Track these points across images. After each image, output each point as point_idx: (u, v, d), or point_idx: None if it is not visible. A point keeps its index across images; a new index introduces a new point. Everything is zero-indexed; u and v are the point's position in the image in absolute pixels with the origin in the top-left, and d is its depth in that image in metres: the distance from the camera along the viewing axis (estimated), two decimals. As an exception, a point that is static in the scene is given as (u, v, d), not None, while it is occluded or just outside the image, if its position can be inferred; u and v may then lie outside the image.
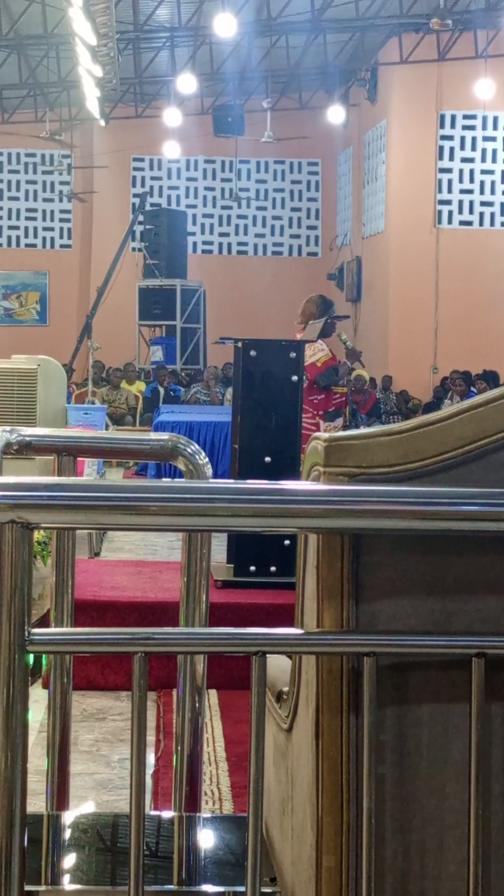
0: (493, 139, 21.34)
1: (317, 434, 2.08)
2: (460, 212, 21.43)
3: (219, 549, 7.52)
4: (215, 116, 23.13)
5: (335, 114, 22.47)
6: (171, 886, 2.38)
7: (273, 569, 6.82)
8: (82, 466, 9.69)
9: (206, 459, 2.91)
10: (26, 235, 25.85)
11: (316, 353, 9.37)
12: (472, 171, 21.41)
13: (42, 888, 2.32)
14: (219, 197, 25.43)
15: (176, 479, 2.29)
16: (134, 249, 22.02)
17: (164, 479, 2.97)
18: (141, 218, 21.74)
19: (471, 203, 21.43)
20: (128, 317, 21.75)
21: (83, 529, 7.54)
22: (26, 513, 1.86)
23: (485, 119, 21.23)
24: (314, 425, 9.10)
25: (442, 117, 21.28)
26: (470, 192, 21.43)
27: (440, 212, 21.36)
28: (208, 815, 3.25)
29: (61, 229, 25.86)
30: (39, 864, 2.43)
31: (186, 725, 2.85)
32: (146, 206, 22.21)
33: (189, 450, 2.88)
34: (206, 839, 2.66)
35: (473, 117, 21.25)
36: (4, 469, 2.74)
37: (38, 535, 6.32)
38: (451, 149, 21.40)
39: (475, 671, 1.94)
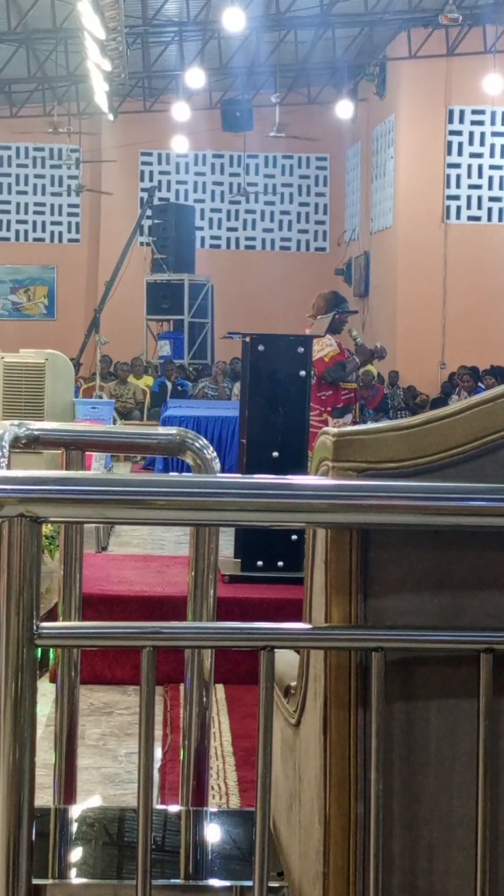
0: (502, 134, 21.30)
1: (326, 429, 2.08)
2: (468, 207, 21.40)
3: (226, 543, 7.52)
4: (224, 111, 23.11)
5: (344, 109, 22.44)
6: (178, 881, 2.38)
7: (280, 564, 6.83)
8: (90, 461, 9.70)
9: (215, 454, 2.91)
10: (34, 230, 25.85)
11: (324, 349, 9.34)
12: (480, 167, 21.38)
13: (49, 882, 2.32)
14: (227, 192, 25.41)
15: (184, 474, 2.29)
16: (142, 244, 22.01)
17: (172, 474, 2.98)
18: (149, 212, 21.73)
19: (479, 198, 21.40)
20: (135, 311, 21.75)
21: (91, 523, 7.56)
22: (35, 507, 1.86)
23: (493, 114, 21.20)
24: (322, 422, 9.06)
25: (450, 112, 21.25)
26: (478, 187, 21.40)
27: (448, 207, 21.33)
28: (215, 809, 3.25)
29: (69, 223, 25.86)
30: (47, 858, 2.44)
31: (194, 720, 2.85)
32: (154, 200, 22.20)
33: (197, 444, 2.88)
34: (213, 834, 2.66)
35: (482, 112, 21.22)
36: (13, 463, 2.73)
37: (45, 530, 6.32)
38: (460, 144, 21.37)
39: (483, 667, 1.94)
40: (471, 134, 21.36)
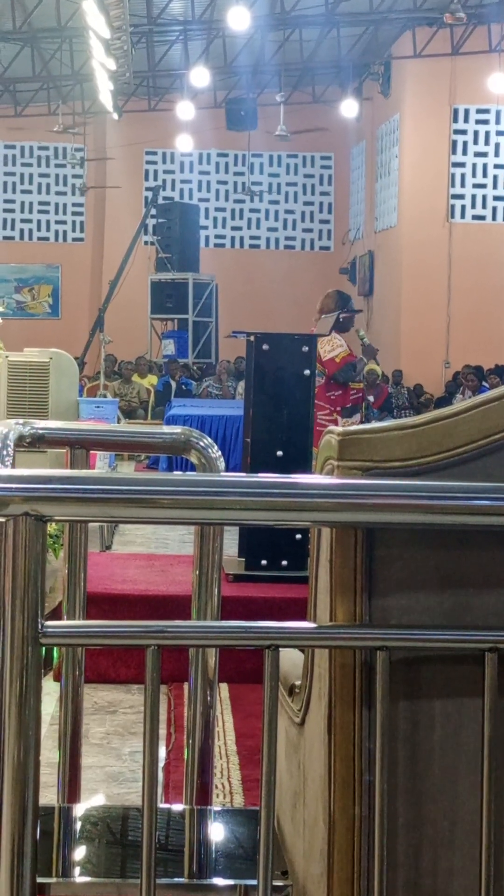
0: (507, 133, 21.31)
1: (330, 428, 2.08)
2: (473, 206, 21.40)
3: (230, 542, 7.52)
4: (228, 110, 23.10)
5: (348, 107, 22.43)
6: (182, 879, 2.38)
7: (284, 563, 6.82)
8: (94, 460, 9.70)
9: (219, 453, 2.91)
10: (39, 229, 25.86)
11: (335, 349, 9.35)
12: (485, 166, 21.37)
13: (53, 880, 2.32)
14: (231, 191, 25.40)
15: (188, 473, 2.29)
16: (146, 243, 22.00)
17: (176, 473, 2.97)
18: (153, 211, 21.72)
19: (484, 197, 21.40)
20: (140, 310, 21.75)
21: (96, 522, 7.55)
22: (40, 505, 1.86)
23: (498, 113, 21.19)
24: (332, 421, 9.07)
25: (455, 111, 21.24)
26: (483, 186, 21.39)
27: (453, 206, 21.32)
28: (219, 808, 3.25)
29: (74, 222, 25.87)
30: (51, 857, 2.44)
31: (198, 719, 2.85)
32: (159, 199, 22.19)
33: (202, 443, 2.88)
34: (217, 832, 2.66)
35: (487, 111, 21.21)
36: (17, 462, 2.74)
37: (50, 528, 6.32)
38: (465, 143, 21.36)
39: (488, 666, 1.94)
40: (475, 133, 21.36)
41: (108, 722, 5.29)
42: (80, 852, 2.51)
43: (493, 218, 21.39)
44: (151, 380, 19.84)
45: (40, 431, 2.91)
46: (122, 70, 18.29)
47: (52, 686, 4.52)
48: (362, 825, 2.02)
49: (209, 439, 2.93)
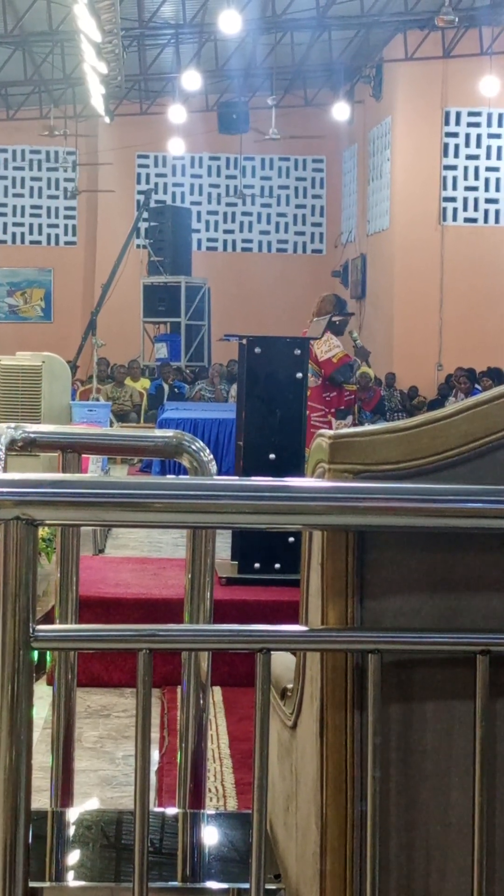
0: (498, 136, 21.31)
1: (322, 431, 2.08)
2: (465, 209, 21.41)
3: (223, 546, 7.52)
4: (220, 113, 23.11)
5: (340, 111, 22.45)
6: (176, 883, 2.38)
7: (277, 566, 6.82)
8: (86, 463, 9.69)
9: (211, 456, 2.91)
10: (31, 232, 25.85)
11: (332, 350, 9.36)
12: (476, 169, 21.39)
13: (46, 885, 2.32)
14: (223, 194, 25.41)
15: (180, 476, 2.29)
16: (138, 246, 22.00)
17: (168, 476, 2.98)
18: (145, 215, 21.73)
19: (475, 200, 21.42)
20: (132, 314, 21.74)
21: (88, 526, 7.54)
22: (31, 509, 1.86)
23: (490, 116, 21.21)
24: (326, 423, 9.08)
25: (447, 114, 21.26)
26: (475, 189, 21.41)
27: (445, 209, 21.34)
28: (212, 811, 3.25)
29: (66, 226, 25.86)
30: (44, 861, 2.44)
31: (191, 722, 2.85)
32: (151, 202, 22.19)
33: (194, 446, 2.88)
34: (211, 836, 2.66)
35: (478, 114, 21.23)
36: (9, 466, 2.73)
37: (42, 532, 6.32)
38: (456, 146, 21.38)
39: (480, 668, 1.94)
40: (467, 136, 21.37)
41: (102, 726, 5.29)
42: (73, 856, 2.51)
43: (485, 221, 21.42)
44: (144, 383, 19.83)
45: (32, 435, 2.91)
46: (114, 73, 18.31)
47: (45, 690, 4.51)
48: (355, 828, 2.02)
49: (201, 443, 2.94)
